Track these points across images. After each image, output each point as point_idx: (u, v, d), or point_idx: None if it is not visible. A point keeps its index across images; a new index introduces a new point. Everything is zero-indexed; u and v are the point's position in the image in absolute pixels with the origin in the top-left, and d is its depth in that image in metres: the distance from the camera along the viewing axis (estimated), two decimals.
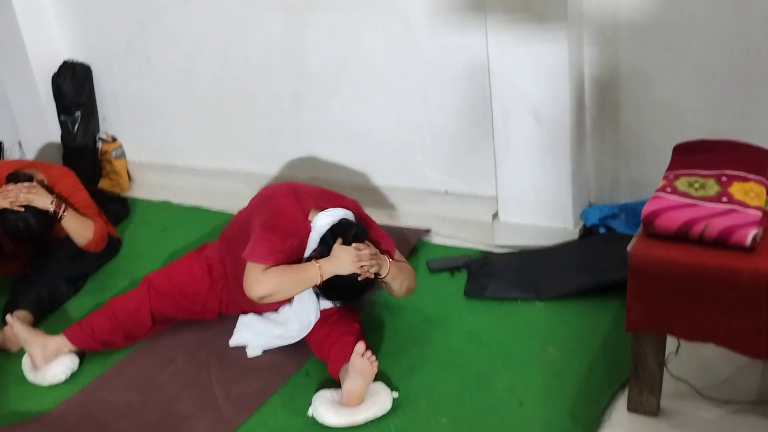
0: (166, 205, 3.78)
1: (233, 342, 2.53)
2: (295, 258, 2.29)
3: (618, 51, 2.70)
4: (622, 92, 2.76)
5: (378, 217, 3.33)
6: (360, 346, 2.11)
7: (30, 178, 2.86)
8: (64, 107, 3.92)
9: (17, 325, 2.49)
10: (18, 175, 2.87)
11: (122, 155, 4.04)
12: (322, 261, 2.21)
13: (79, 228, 2.90)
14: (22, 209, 2.76)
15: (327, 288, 2.25)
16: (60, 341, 2.51)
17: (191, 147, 3.89)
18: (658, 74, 2.68)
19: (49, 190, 2.88)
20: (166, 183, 3.96)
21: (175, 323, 2.64)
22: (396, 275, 2.33)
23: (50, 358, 2.47)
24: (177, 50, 3.71)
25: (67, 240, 2.93)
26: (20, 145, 4.27)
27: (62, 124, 3.95)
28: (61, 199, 2.88)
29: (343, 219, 2.31)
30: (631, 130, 2.82)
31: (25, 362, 2.50)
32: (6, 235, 2.87)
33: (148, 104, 3.95)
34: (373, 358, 2.12)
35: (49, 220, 2.82)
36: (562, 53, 2.61)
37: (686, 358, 2.16)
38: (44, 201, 2.80)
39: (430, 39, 3.04)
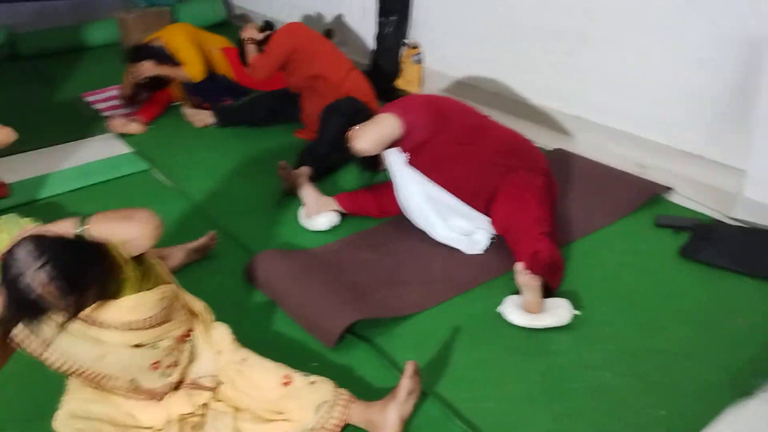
0: None
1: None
2: None
3: None
4: None
5: (626, 166, 3.51)
6: (519, 265, 2.46)
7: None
8: (383, 10, 4.53)
9: (302, 177, 3.18)
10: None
11: (419, 61, 4.59)
12: None
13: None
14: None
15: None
16: (330, 200, 3.15)
17: (477, 66, 4.30)
18: None
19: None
20: (451, 92, 4.45)
21: None
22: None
23: (320, 211, 3.13)
24: None
25: (337, 106, 3.64)
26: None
27: (379, 24, 4.57)
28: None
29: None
30: None
31: (301, 210, 3.18)
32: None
33: (453, 20, 4.40)
34: (533, 277, 2.44)
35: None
36: None
37: None
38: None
39: (724, 4, 3.06)
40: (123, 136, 4.07)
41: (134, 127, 4.08)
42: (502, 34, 4.13)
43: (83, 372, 1.86)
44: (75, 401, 2.00)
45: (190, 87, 4.36)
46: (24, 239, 1.67)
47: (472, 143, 2.86)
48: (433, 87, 4.59)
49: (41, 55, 5.50)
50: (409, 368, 2.06)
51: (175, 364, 2.02)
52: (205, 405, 2.07)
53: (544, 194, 2.85)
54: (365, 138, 2.78)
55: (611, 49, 3.57)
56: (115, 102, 4.55)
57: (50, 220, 1.84)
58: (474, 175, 2.87)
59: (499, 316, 2.52)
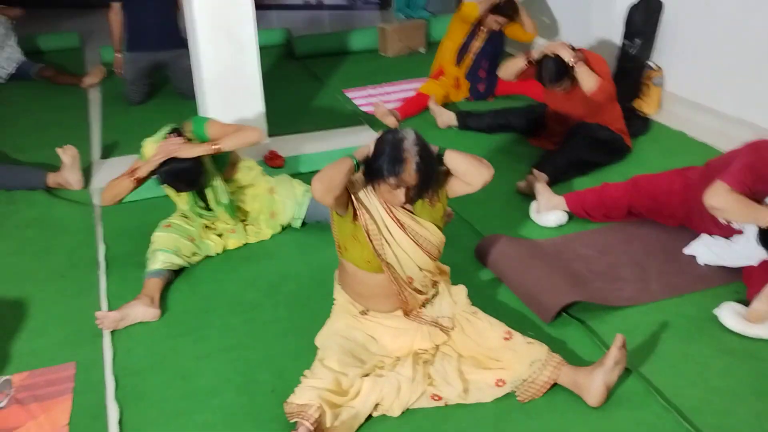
0: (680, 135, 4.36)
1: (687, 250, 3.09)
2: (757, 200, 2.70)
3: None
4: None
5: None
6: None
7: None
8: (629, 33, 4.69)
9: (540, 181, 3.47)
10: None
11: (660, 84, 4.69)
12: None
13: (586, 78, 3.72)
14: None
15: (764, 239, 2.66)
16: (559, 200, 3.41)
17: (721, 93, 4.33)
18: None
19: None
20: (687, 117, 4.51)
21: (643, 220, 3.30)
22: None
23: (549, 209, 3.40)
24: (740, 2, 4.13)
25: (590, 129, 3.81)
26: None
27: (623, 46, 4.74)
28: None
29: None
30: None
31: (533, 205, 3.48)
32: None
33: (700, 47, 4.46)
34: None
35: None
36: None
37: None
38: None
39: None
40: (376, 127, 4.61)
41: (390, 120, 4.62)
42: (750, 65, 4.13)
43: (375, 244, 2.33)
44: (338, 323, 2.48)
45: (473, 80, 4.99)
46: (409, 129, 2.29)
47: None
48: (671, 110, 4.67)
49: (312, 56, 6.29)
50: (618, 340, 2.28)
51: (421, 293, 2.45)
52: (438, 346, 2.44)
53: None
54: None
55: None
56: (372, 100, 5.14)
57: None
58: None
59: (711, 320, 2.65)
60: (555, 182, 3.70)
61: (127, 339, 2.68)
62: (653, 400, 2.30)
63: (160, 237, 3.06)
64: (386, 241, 2.34)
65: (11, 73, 5.74)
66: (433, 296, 2.51)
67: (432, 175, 2.29)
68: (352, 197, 2.34)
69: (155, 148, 2.97)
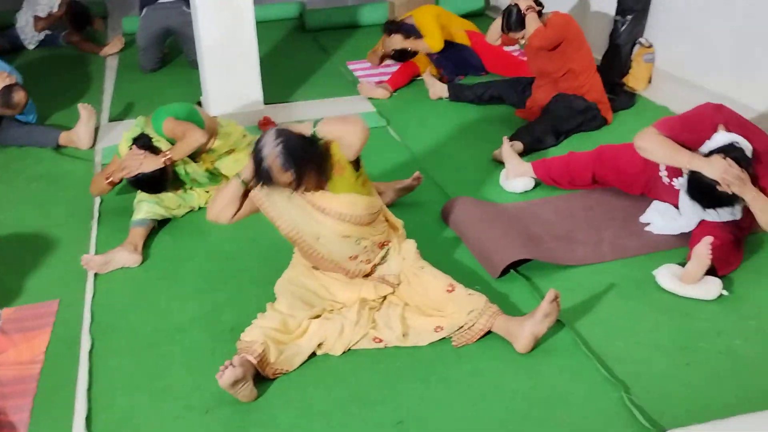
0: (663, 110, 4.44)
1: (642, 218, 3.22)
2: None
3: None
4: None
5: None
6: (707, 238, 2.66)
7: None
8: (621, 10, 4.76)
9: (507, 148, 3.62)
10: None
11: (651, 60, 4.76)
12: (698, 157, 2.72)
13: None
14: None
15: (692, 184, 2.75)
16: (526, 167, 3.55)
17: (709, 70, 4.38)
18: None
19: None
20: (673, 93, 4.58)
21: (608, 188, 3.43)
22: (755, 202, 2.66)
23: (517, 175, 3.54)
24: None
25: (566, 99, 4.00)
26: None
27: (614, 22, 4.81)
28: None
29: (736, 143, 2.74)
30: None
31: (503, 172, 3.63)
32: None
33: (692, 24, 4.50)
34: (710, 253, 2.64)
35: None
36: None
37: None
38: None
39: None
40: (370, 99, 4.79)
41: (380, 93, 4.79)
42: (739, 44, 4.18)
43: (303, 243, 2.52)
44: (292, 272, 2.69)
45: (435, 59, 5.01)
46: (273, 129, 2.37)
47: None
48: (660, 86, 4.74)
49: (323, 29, 6.46)
50: (549, 295, 2.44)
51: (368, 261, 2.61)
52: (385, 297, 2.64)
53: None
54: None
55: None
56: (371, 71, 5.32)
57: None
58: None
59: (651, 281, 2.79)
60: (530, 151, 3.85)
61: (108, 281, 2.94)
62: (578, 350, 2.46)
63: None
64: (316, 236, 2.50)
65: (40, 39, 6.05)
66: (383, 257, 2.66)
67: (306, 158, 2.34)
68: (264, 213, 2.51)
69: (126, 150, 3.22)
